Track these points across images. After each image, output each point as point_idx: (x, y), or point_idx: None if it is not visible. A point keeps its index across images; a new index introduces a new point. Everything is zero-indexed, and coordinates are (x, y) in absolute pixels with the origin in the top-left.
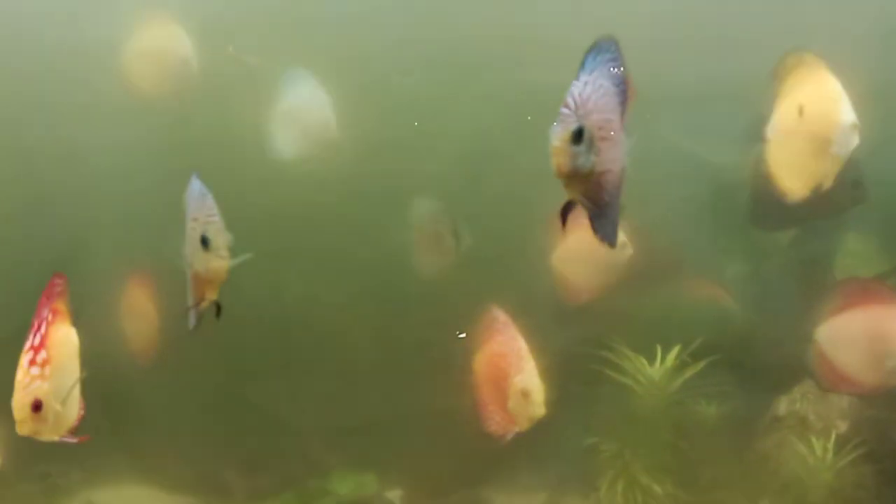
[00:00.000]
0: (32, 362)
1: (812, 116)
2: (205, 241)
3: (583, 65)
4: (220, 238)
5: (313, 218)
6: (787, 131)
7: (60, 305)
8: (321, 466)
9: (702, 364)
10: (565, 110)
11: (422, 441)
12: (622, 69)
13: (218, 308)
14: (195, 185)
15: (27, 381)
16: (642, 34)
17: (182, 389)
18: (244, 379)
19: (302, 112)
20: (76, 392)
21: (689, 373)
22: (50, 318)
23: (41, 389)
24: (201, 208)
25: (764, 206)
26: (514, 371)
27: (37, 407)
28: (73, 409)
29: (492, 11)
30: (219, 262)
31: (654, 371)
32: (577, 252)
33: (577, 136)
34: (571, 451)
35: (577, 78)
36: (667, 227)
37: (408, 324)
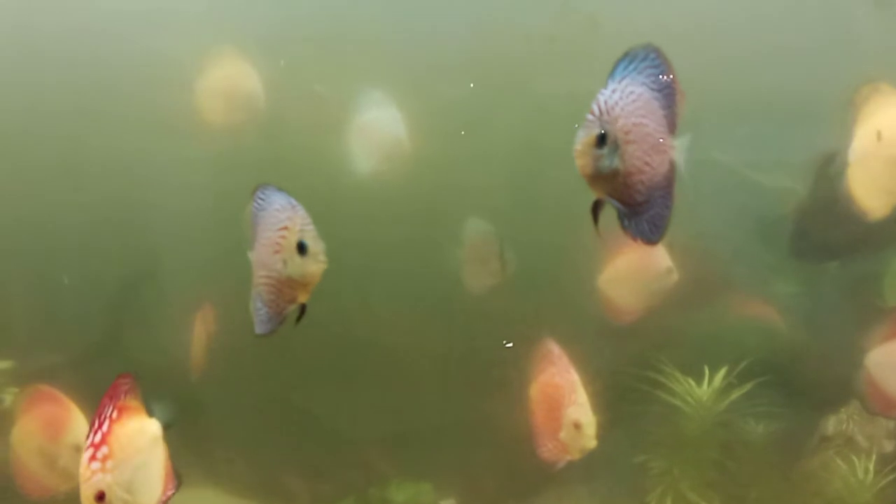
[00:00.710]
0: (93, 458)
1: (890, 140)
2: (303, 247)
3: (612, 73)
4: (318, 244)
5: (376, 231)
6: (866, 155)
7: (130, 402)
8: (380, 475)
9: (749, 385)
10: (590, 116)
11: (477, 453)
12: (666, 75)
13: (303, 310)
14: (279, 197)
15: (88, 475)
16: (696, 48)
17: (247, 400)
18: (308, 390)
19: (375, 130)
20: (156, 475)
21: (735, 394)
22: (115, 415)
23: (103, 482)
24: (293, 217)
25: (805, 238)
26: (567, 402)
27: (100, 497)
28: (150, 494)
29: (547, 22)
30: (317, 266)
31: (702, 392)
32: (623, 274)
33: (601, 140)
34: (621, 467)
35: (605, 86)
36: (715, 246)
37: (463, 338)
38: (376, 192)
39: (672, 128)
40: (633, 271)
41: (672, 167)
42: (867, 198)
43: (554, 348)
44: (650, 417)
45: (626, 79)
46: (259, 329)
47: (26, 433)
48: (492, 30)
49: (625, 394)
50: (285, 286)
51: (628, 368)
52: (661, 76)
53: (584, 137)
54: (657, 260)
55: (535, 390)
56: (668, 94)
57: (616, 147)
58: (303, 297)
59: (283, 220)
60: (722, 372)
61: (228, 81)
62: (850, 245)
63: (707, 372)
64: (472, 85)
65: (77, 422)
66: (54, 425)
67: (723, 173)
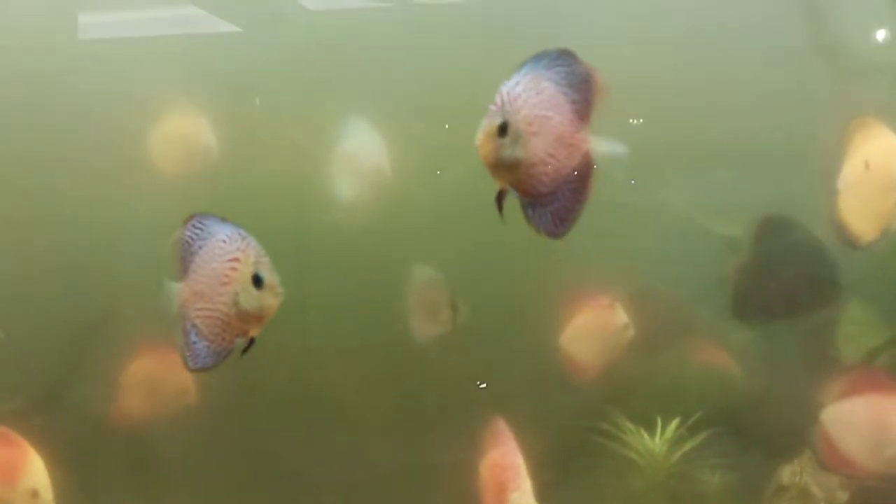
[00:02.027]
0: None
1: (876, 169)
2: (259, 280)
3: (519, 68)
4: (274, 277)
5: (342, 267)
6: (855, 183)
7: None
8: None
9: (702, 436)
10: (493, 107)
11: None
12: (581, 74)
13: (251, 343)
14: (225, 227)
15: None
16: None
17: (198, 438)
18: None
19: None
20: None
21: (689, 444)
22: None
23: None
24: (245, 249)
25: (746, 300)
26: (512, 487)
27: None
28: None
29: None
30: (275, 299)
31: (654, 444)
32: (583, 332)
33: (502, 129)
34: None
35: (509, 79)
36: (668, 294)
37: (423, 382)
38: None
39: (585, 123)
40: (592, 329)
41: (586, 162)
42: (857, 223)
43: (502, 427)
44: (601, 471)
45: (532, 73)
46: (195, 364)
47: None
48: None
49: (576, 447)
50: (235, 320)
51: (579, 421)
52: (572, 74)
53: (486, 126)
54: (614, 316)
55: (484, 468)
56: (579, 90)
57: (518, 137)
58: (255, 331)
59: (231, 250)
60: (675, 423)
61: (182, 130)
62: (791, 306)
63: (660, 423)
64: (446, 126)
65: (34, 464)
66: (8, 469)
67: (677, 221)
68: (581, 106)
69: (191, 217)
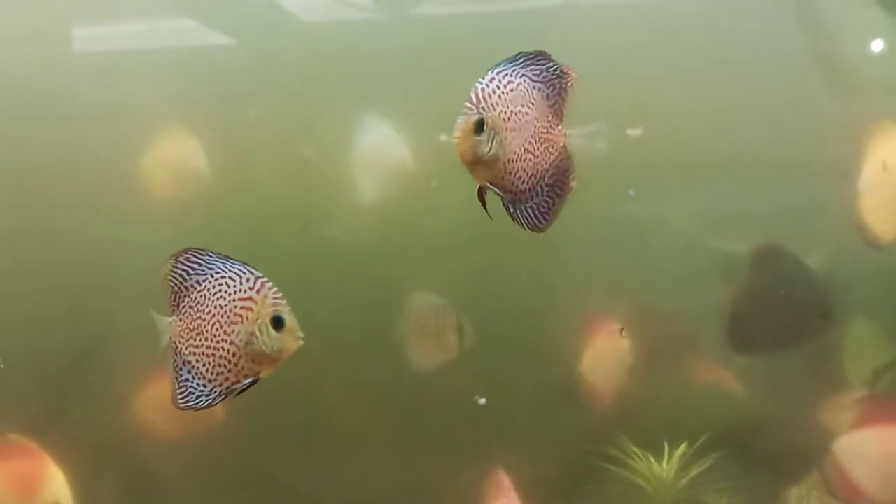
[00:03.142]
0: None
1: (894, 170)
2: (280, 322)
3: (493, 67)
4: (293, 320)
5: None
6: (875, 184)
7: None
8: None
9: (710, 459)
10: (468, 105)
11: None
12: (555, 70)
13: (253, 383)
14: (231, 264)
15: None
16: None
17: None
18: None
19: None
20: None
21: (695, 469)
22: None
23: None
24: (260, 289)
25: (742, 331)
26: None
27: None
28: None
29: None
30: (295, 342)
31: (662, 469)
32: (600, 359)
33: (479, 126)
34: None
35: (483, 77)
36: (674, 312)
37: (427, 399)
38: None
39: (560, 118)
40: (608, 354)
41: (564, 156)
42: (878, 223)
43: (504, 480)
44: (611, 497)
45: (506, 70)
46: (185, 403)
47: None
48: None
49: (582, 472)
50: (245, 360)
51: (586, 445)
52: (546, 70)
53: (462, 124)
54: (623, 341)
55: None
56: (554, 86)
57: (495, 133)
58: (265, 372)
59: (244, 289)
60: (682, 447)
61: (174, 154)
62: (784, 337)
63: (667, 447)
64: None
65: (55, 476)
66: (28, 481)
67: (682, 237)
68: (556, 101)
69: (184, 251)
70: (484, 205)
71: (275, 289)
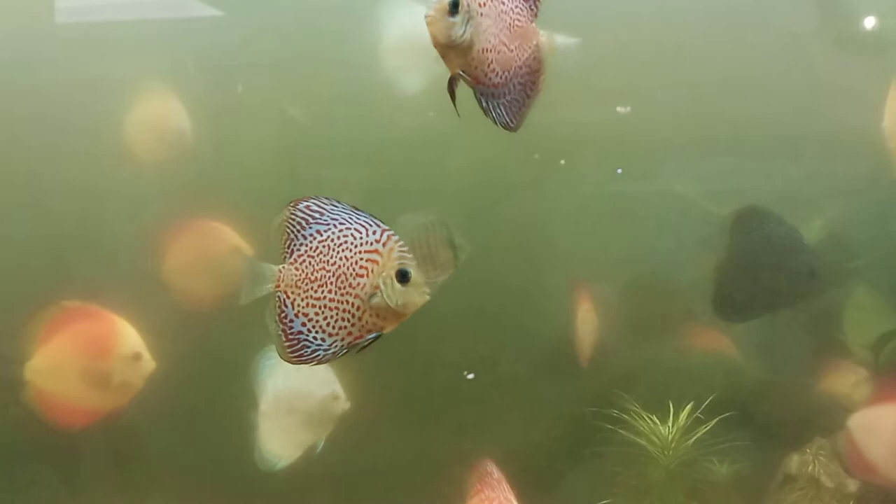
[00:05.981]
0: None
1: None
2: (406, 275)
3: None
4: (420, 274)
5: None
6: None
7: None
8: None
9: (713, 422)
10: None
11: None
12: None
13: (374, 339)
14: (358, 215)
15: None
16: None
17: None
18: None
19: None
20: None
21: (701, 431)
22: None
23: None
24: (387, 242)
25: (726, 297)
26: None
27: None
28: None
29: None
30: (421, 297)
31: (667, 430)
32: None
33: (453, 8)
34: None
35: None
36: (675, 279)
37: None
38: None
39: (535, 14)
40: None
41: (537, 56)
42: None
43: (493, 471)
44: (613, 458)
45: None
46: (299, 357)
47: (58, 358)
48: None
49: (587, 434)
50: (368, 314)
51: (589, 407)
52: None
53: (437, 4)
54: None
55: None
56: None
57: (469, 17)
58: (389, 328)
59: (370, 241)
60: (687, 409)
61: (157, 116)
62: (771, 301)
63: (671, 409)
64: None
65: (126, 330)
66: (99, 341)
67: (683, 204)
68: (532, 2)
69: (305, 198)
70: (452, 96)
71: (401, 242)
